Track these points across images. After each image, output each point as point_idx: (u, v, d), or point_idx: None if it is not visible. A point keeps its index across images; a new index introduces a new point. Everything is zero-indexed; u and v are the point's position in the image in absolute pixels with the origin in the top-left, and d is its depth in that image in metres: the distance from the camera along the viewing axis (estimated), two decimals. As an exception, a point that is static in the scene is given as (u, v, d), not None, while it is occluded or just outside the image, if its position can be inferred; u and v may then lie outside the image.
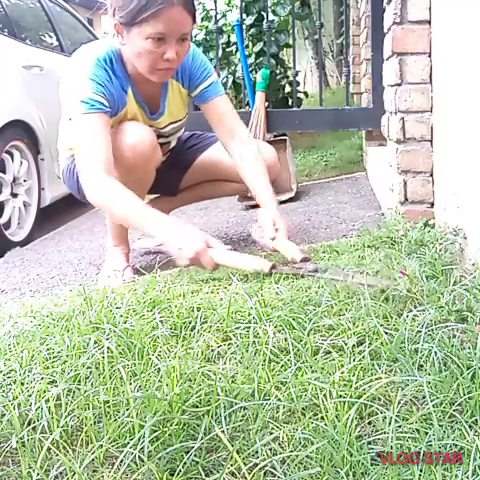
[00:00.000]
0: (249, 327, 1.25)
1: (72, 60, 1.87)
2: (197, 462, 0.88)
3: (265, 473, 0.86)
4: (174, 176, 2.20)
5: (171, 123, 2.05)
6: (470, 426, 0.91)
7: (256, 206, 2.97)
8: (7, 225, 3.05)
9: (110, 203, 1.75)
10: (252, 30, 4.45)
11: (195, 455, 0.89)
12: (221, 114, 2.03)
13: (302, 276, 1.56)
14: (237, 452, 0.88)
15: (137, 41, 1.71)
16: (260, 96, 3.23)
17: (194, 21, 1.76)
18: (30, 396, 1.06)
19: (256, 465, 0.86)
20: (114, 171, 1.76)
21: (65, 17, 4.59)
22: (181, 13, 1.69)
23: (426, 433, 0.89)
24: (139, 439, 0.91)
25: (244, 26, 4.10)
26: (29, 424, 1.00)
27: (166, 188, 2.18)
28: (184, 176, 2.24)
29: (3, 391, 1.12)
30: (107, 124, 1.80)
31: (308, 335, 1.19)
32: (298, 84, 4.41)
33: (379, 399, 1.00)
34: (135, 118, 1.92)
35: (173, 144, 2.16)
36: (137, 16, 1.66)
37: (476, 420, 0.93)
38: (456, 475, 0.81)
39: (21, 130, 3.21)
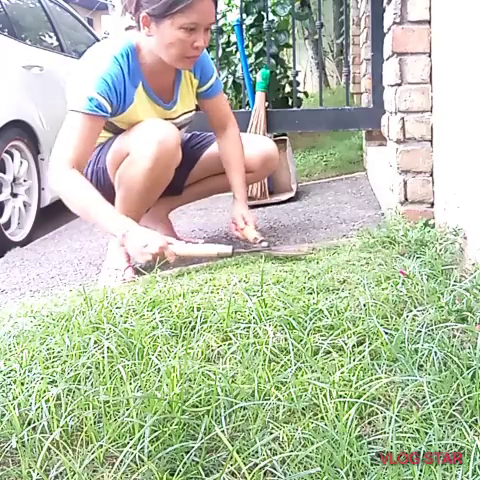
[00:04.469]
0: (249, 327, 1.25)
1: (88, 57, 1.91)
2: (197, 462, 0.88)
3: (265, 473, 0.86)
4: (180, 175, 2.21)
5: (183, 114, 2.09)
6: (470, 426, 0.91)
7: (256, 206, 3.00)
8: (7, 225, 3.05)
9: (71, 193, 1.82)
10: (252, 30, 4.45)
11: (195, 455, 0.89)
12: (221, 110, 2.18)
13: (258, 251, 1.89)
14: (237, 452, 0.88)
15: (169, 31, 1.80)
16: (260, 96, 3.23)
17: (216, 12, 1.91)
18: (30, 396, 1.06)
19: (256, 465, 0.86)
20: (82, 173, 1.84)
21: (65, 17, 4.59)
22: (210, 4, 1.81)
23: (426, 433, 0.89)
24: (139, 439, 0.91)
25: (244, 26, 4.09)
26: (29, 424, 1.00)
27: (171, 188, 2.19)
28: (190, 173, 2.26)
29: (3, 391, 1.12)
30: (98, 129, 1.86)
31: (308, 335, 1.19)
32: (298, 84, 4.41)
33: (379, 399, 1.00)
34: (148, 112, 1.95)
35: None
36: (172, 8, 1.76)
37: (476, 420, 0.93)
38: (456, 475, 0.81)
39: (21, 130, 3.21)
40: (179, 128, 2.11)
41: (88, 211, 1.82)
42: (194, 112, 2.15)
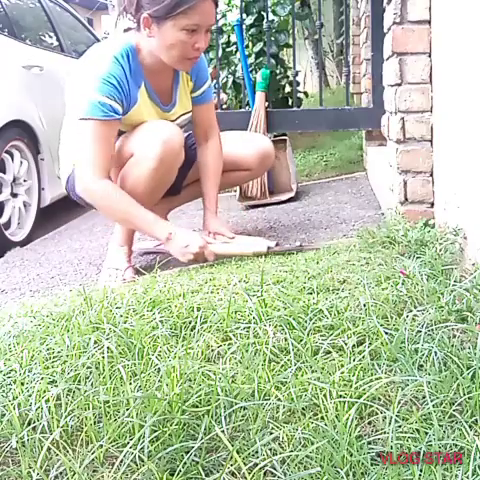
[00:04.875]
0: (249, 327, 1.25)
1: (88, 58, 1.91)
2: (197, 462, 0.88)
3: (265, 473, 0.86)
4: (178, 174, 2.22)
5: (182, 115, 2.10)
6: (470, 426, 0.91)
7: (256, 206, 3.00)
8: (7, 225, 3.05)
9: (109, 203, 1.86)
10: (252, 30, 4.44)
11: (195, 455, 0.89)
12: (208, 118, 2.17)
13: (292, 250, 1.91)
14: (237, 452, 0.88)
15: (171, 33, 1.80)
16: (260, 96, 3.23)
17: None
18: (30, 396, 1.06)
19: (256, 465, 0.86)
20: (109, 178, 1.87)
21: (65, 17, 4.59)
22: (211, 5, 1.82)
23: (426, 433, 0.89)
24: (139, 439, 0.91)
25: (244, 26, 4.09)
26: (29, 424, 1.00)
27: (170, 187, 2.19)
28: (188, 173, 2.26)
29: (3, 391, 1.12)
30: (114, 131, 1.87)
31: (308, 335, 1.19)
32: (298, 84, 4.41)
33: (379, 399, 1.00)
34: (150, 113, 1.95)
35: None
36: (175, 9, 1.76)
37: (476, 420, 0.93)
38: (456, 475, 0.81)
39: (21, 130, 3.21)
40: None
41: (129, 219, 1.88)
42: (191, 113, 2.15)
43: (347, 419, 0.91)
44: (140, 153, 1.87)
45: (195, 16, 1.78)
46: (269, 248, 1.90)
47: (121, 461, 0.90)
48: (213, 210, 2.13)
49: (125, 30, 1.94)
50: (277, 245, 1.94)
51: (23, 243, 3.01)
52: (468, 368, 1.01)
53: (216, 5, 1.85)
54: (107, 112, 1.80)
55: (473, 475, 0.80)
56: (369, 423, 0.96)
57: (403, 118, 1.92)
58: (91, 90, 1.81)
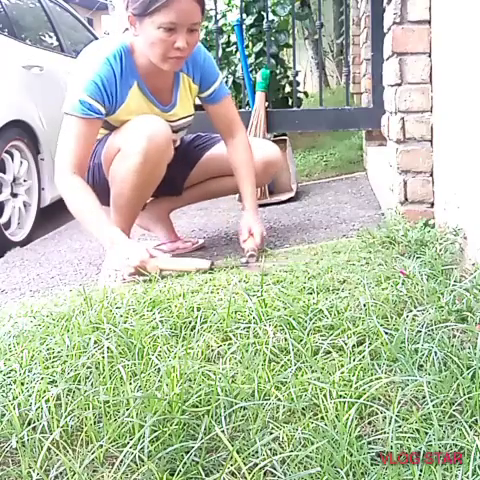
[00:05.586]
0: (249, 327, 1.25)
1: (82, 58, 1.94)
2: (197, 462, 0.88)
3: (265, 473, 0.86)
4: (180, 175, 2.21)
5: (182, 118, 2.08)
6: (470, 426, 0.91)
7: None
8: (7, 225, 3.05)
9: (70, 199, 1.86)
10: (252, 30, 4.45)
11: (195, 455, 0.89)
12: (227, 115, 2.14)
13: (236, 267, 1.81)
14: (237, 452, 0.88)
15: (149, 31, 1.79)
16: (260, 96, 3.23)
17: (203, 13, 1.84)
18: (30, 396, 1.06)
19: (256, 465, 0.86)
20: (84, 176, 1.88)
21: (65, 17, 4.59)
22: (191, 4, 1.77)
23: (426, 433, 0.89)
24: (139, 439, 0.91)
25: (244, 26, 4.09)
26: (29, 424, 1.01)
27: (171, 187, 2.19)
28: (190, 174, 2.25)
29: (3, 391, 1.12)
30: (93, 130, 1.88)
31: (308, 335, 1.19)
32: (298, 84, 4.41)
33: (379, 399, 1.00)
34: (142, 112, 1.94)
35: (177, 143, 2.18)
36: (150, 6, 1.75)
37: (476, 420, 0.93)
38: (456, 475, 0.81)
39: (21, 130, 3.21)
40: (177, 131, 2.10)
41: (82, 218, 1.87)
42: (193, 116, 2.13)
43: (347, 419, 0.91)
44: (125, 149, 1.88)
45: (170, 14, 1.74)
46: (212, 264, 1.80)
47: (121, 461, 0.90)
48: (249, 209, 2.08)
49: (125, 29, 1.95)
50: (211, 265, 1.80)
51: (23, 243, 3.00)
52: (468, 368, 1.01)
53: (200, 4, 1.80)
54: (86, 110, 1.82)
55: (473, 475, 0.80)
56: (369, 423, 0.96)
57: (403, 118, 1.92)
58: (78, 88, 1.84)
